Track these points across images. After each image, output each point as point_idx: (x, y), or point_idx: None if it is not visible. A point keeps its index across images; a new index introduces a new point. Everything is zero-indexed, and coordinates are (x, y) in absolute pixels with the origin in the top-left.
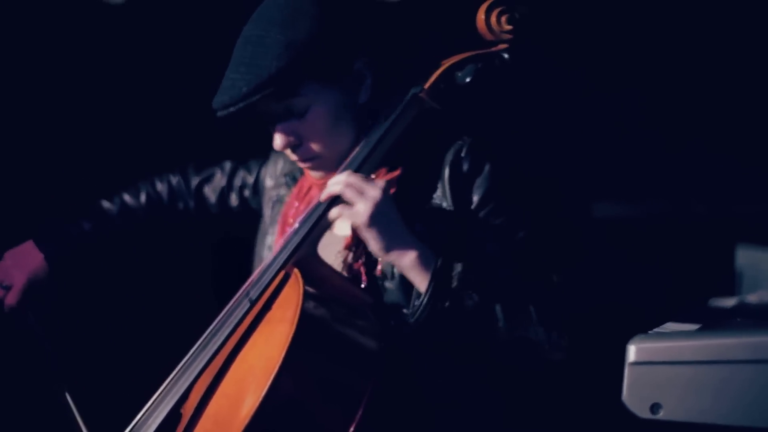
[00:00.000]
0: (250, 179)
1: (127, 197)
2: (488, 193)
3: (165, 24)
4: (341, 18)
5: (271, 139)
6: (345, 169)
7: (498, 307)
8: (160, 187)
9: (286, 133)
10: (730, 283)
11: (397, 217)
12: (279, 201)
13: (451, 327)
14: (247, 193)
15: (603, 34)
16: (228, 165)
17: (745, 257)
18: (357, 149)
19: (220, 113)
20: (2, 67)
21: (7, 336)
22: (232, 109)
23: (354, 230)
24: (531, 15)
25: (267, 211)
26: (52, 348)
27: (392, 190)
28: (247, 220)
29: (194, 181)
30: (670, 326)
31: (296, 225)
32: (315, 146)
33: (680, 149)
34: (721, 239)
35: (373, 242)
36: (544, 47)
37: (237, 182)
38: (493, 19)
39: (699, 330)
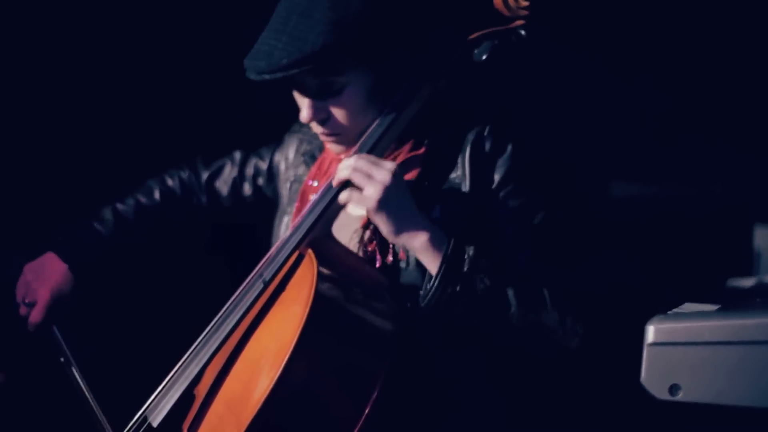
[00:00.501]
0: (264, 165)
1: (140, 197)
2: (509, 174)
3: (171, 15)
4: (388, 2)
5: (284, 122)
6: (357, 152)
7: (511, 291)
8: (171, 183)
9: (317, 107)
10: (749, 263)
11: (407, 200)
12: (297, 180)
13: (462, 310)
14: (261, 180)
15: (622, 13)
16: (238, 155)
17: (763, 237)
18: (370, 129)
19: (253, 77)
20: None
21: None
22: (267, 76)
23: None
24: None
25: (284, 192)
26: (78, 367)
27: (416, 171)
28: (261, 209)
29: (204, 175)
30: (689, 306)
31: (309, 206)
32: (343, 123)
33: (698, 130)
34: (738, 219)
35: (383, 226)
36: (561, 25)
37: (249, 171)
38: None
39: (718, 310)
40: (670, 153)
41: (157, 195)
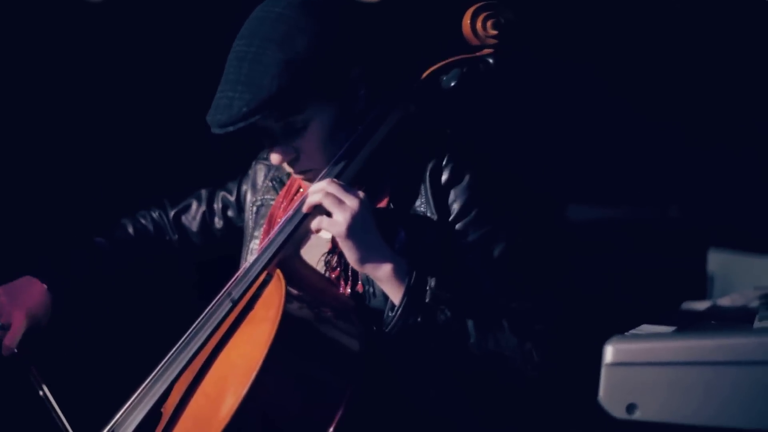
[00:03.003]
0: (232, 198)
1: (116, 232)
2: (467, 204)
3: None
4: (337, 31)
5: (250, 153)
6: (325, 176)
7: (470, 322)
8: (144, 221)
9: (284, 149)
10: (703, 285)
11: (374, 229)
12: (264, 205)
13: (423, 339)
14: (231, 212)
15: (586, 40)
16: (204, 192)
17: (717, 261)
18: (339, 154)
19: (216, 131)
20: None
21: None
22: (230, 128)
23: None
24: (516, 20)
25: (250, 217)
26: (57, 409)
27: (386, 198)
28: (223, 246)
29: (171, 213)
30: (646, 328)
31: (278, 227)
32: (313, 159)
33: (657, 154)
34: (694, 243)
35: (350, 253)
36: (528, 52)
37: (218, 205)
38: (479, 23)
39: (674, 332)
40: (629, 177)
41: (131, 230)
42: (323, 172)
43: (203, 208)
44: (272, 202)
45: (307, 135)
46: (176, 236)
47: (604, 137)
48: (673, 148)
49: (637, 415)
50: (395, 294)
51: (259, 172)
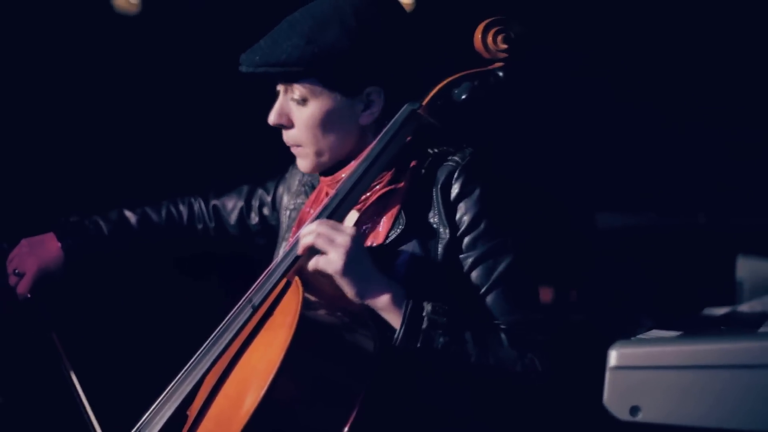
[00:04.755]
0: (268, 198)
1: (148, 210)
2: (477, 218)
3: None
4: (370, 44)
5: (286, 160)
6: (318, 216)
7: (469, 342)
8: (182, 207)
9: (280, 112)
10: (731, 292)
11: (368, 262)
12: (296, 209)
13: (425, 360)
14: (266, 210)
15: (604, 46)
16: (245, 188)
17: (745, 267)
18: (342, 181)
19: (239, 67)
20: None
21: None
22: (243, 69)
23: None
24: (526, 34)
25: (284, 219)
26: (60, 342)
27: (396, 206)
28: (259, 240)
29: (213, 203)
30: (654, 333)
31: (289, 245)
32: (300, 135)
33: (685, 163)
34: (722, 250)
35: (348, 288)
36: (539, 65)
37: (255, 202)
38: (490, 38)
39: (678, 337)
40: (658, 185)
41: (164, 213)
42: (315, 213)
43: (241, 203)
44: (302, 206)
45: (302, 111)
46: (213, 224)
47: (631, 146)
48: (702, 155)
49: (641, 417)
50: (395, 321)
51: (295, 176)
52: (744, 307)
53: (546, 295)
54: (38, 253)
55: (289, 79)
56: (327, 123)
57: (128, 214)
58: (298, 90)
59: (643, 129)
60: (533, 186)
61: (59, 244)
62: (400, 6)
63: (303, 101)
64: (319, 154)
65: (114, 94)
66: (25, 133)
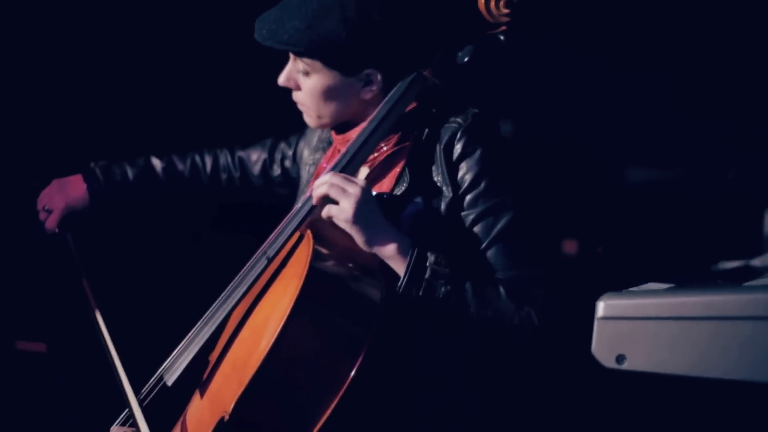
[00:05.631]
0: (289, 151)
1: (175, 159)
2: (478, 176)
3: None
4: (368, 34)
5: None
6: (331, 169)
7: (469, 293)
8: (207, 157)
9: (288, 76)
10: (759, 246)
11: (377, 212)
12: (314, 164)
13: (426, 309)
14: (287, 163)
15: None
16: (269, 141)
17: None
18: (351, 140)
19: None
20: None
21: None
22: (256, 36)
23: None
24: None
25: (304, 175)
26: (86, 273)
27: (402, 162)
28: (281, 190)
29: (239, 155)
30: (650, 285)
31: (301, 201)
32: (305, 101)
33: (711, 117)
34: (751, 205)
35: (357, 236)
36: (540, 29)
37: (278, 155)
38: (492, 3)
39: (666, 289)
40: (686, 140)
41: (188, 162)
42: (330, 165)
43: (265, 155)
44: (320, 161)
45: (306, 81)
46: (238, 174)
47: (659, 102)
48: (729, 111)
49: (626, 366)
50: (400, 270)
51: (315, 132)
52: (756, 261)
53: (572, 248)
54: (66, 192)
55: (294, 54)
56: (328, 95)
57: (155, 161)
58: (301, 63)
59: (671, 85)
60: (559, 142)
61: (85, 186)
62: None
63: (306, 73)
64: (320, 117)
65: (149, 45)
66: (62, 82)
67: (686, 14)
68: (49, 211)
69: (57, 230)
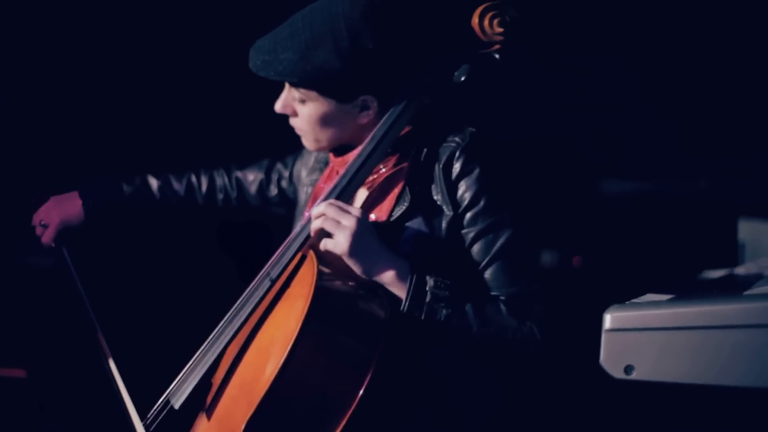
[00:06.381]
0: (286, 172)
1: (171, 178)
2: (477, 195)
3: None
4: (361, 63)
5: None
6: (327, 196)
7: (470, 313)
8: (203, 178)
9: (284, 104)
10: (733, 255)
11: (374, 241)
12: (311, 185)
13: (429, 330)
14: (284, 183)
15: (596, 29)
16: (266, 161)
17: (747, 230)
18: (349, 163)
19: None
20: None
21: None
22: (251, 66)
23: None
24: (521, 18)
25: (301, 195)
26: (82, 284)
27: (401, 184)
28: (278, 210)
29: (236, 175)
30: (649, 296)
31: (303, 221)
32: (302, 126)
33: (684, 128)
34: (724, 214)
35: (355, 267)
36: (533, 47)
37: (274, 176)
38: (486, 22)
39: (670, 300)
40: (659, 151)
41: (185, 182)
42: (324, 192)
43: (261, 175)
44: (317, 182)
45: (302, 108)
46: (235, 194)
47: (632, 114)
48: (702, 121)
49: (634, 376)
50: (401, 295)
51: (311, 153)
52: (740, 269)
53: (551, 260)
54: (62, 207)
55: (289, 83)
56: (324, 121)
57: (151, 180)
58: (297, 92)
59: (643, 95)
60: (535, 153)
61: (80, 202)
62: (397, 16)
63: (302, 101)
64: (318, 141)
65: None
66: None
67: (663, 33)
68: (45, 226)
69: (53, 244)
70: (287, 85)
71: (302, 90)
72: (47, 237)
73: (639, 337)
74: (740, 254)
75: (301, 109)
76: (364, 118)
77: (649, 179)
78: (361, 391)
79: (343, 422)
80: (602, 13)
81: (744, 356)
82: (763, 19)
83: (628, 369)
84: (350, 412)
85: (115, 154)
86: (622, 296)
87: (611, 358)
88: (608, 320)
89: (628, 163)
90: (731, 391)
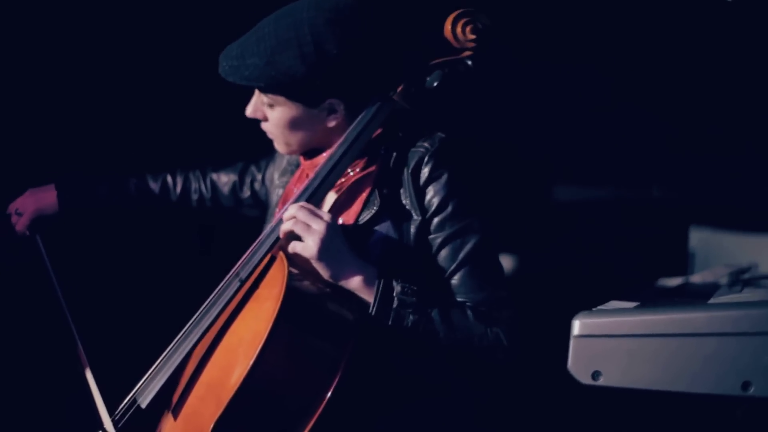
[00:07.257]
0: (259, 175)
1: (148, 177)
2: (444, 200)
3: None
4: (326, 68)
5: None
6: (298, 199)
7: (437, 319)
8: (179, 178)
9: (254, 108)
10: (684, 262)
11: (342, 246)
12: (282, 187)
13: (397, 335)
14: (257, 185)
15: (566, 34)
16: (240, 164)
17: (698, 238)
18: (319, 166)
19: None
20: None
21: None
22: (220, 71)
23: None
24: (492, 25)
25: (273, 197)
26: (55, 272)
27: (368, 189)
28: (251, 212)
29: (211, 176)
30: (613, 304)
31: (266, 231)
32: (273, 131)
33: (639, 135)
34: (675, 222)
35: (323, 271)
36: (505, 53)
37: (247, 178)
38: (459, 29)
39: (635, 307)
40: (611, 158)
41: (160, 182)
42: (295, 195)
43: (235, 177)
44: (288, 185)
45: (271, 112)
46: (209, 195)
47: (585, 120)
48: (656, 128)
49: (601, 381)
50: (368, 300)
51: (283, 157)
52: (696, 278)
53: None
54: (37, 197)
55: (257, 88)
56: (293, 125)
57: (128, 178)
58: (265, 97)
59: (598, 102)
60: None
61: (56, 193)
62: (362, 22)
63: (271, 105)
64: (288, 144)
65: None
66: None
67: (619, 40)
68: (20, 215)
69: (27, 232)
70: (257, 90)
71: (270, 95)
72: (21, 225)
73: (607, 343)
74: (691, 261)
75: (271, 114)
76: (332, 122)
77: (601, 185)
78: (329, 393)
79: (312, 423)
80: (565, 21)
81: (709, 364)
82: (715, 25)
83: (596, 375)
84: (319, 412)
85: (93, 156)
86: (581, 303)
87: (579, 363)
88: (577, 326)
89: (581, 169)
90: (697, 398)
